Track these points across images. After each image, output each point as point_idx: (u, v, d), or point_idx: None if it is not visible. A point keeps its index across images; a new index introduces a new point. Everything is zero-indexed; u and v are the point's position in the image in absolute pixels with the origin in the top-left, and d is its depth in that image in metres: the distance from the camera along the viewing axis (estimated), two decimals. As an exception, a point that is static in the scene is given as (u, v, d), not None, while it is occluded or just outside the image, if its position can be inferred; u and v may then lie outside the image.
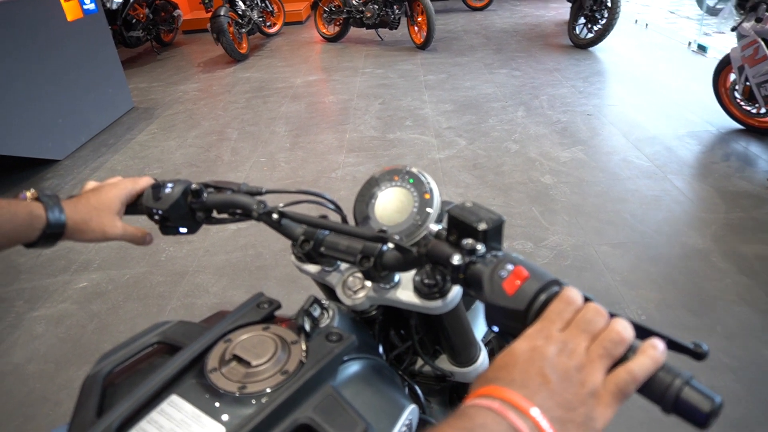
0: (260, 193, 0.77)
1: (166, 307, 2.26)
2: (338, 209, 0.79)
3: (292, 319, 0.65)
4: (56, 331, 2.18)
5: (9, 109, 3.45)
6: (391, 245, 0.62)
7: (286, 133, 4.03)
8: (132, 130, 4.42)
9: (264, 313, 0.66)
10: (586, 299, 0.47)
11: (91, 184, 0.76)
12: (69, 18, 4.13)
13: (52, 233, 0.66)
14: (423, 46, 5.92)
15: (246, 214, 0.73)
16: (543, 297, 0.47)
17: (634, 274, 2.20)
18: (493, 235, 0.54)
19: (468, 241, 0.53)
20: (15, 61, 3.54)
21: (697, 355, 0.44)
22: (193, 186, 0.75)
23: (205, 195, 0.75)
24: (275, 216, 0.70)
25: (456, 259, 0.53)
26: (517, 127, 3.75)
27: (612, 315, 0.45)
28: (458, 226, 0.55)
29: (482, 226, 0.53)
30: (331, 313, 0.67)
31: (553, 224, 2.58)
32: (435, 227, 0.63)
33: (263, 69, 5.93)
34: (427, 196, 0.74)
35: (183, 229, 0.77)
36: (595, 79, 4.63)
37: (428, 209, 0.73)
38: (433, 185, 0.75)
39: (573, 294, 0.45)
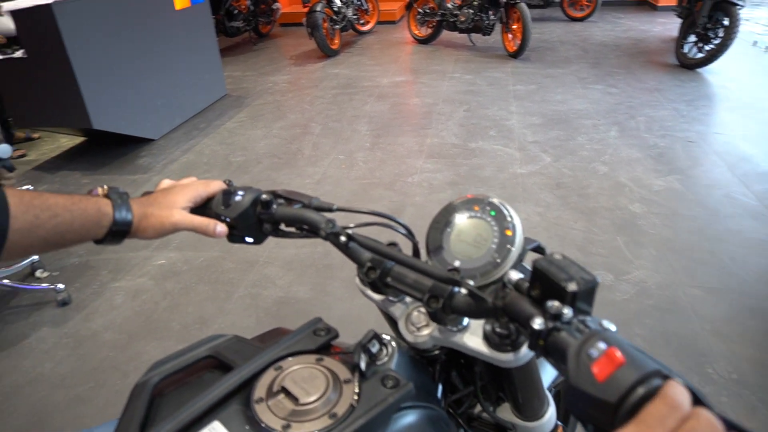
0: (330, 210, 0.73)
1: (234, 294, 2.32)
2: (410, 235, 0.74)
3: (348, 351, 0.61)
4: (132, 304, 2.30)
5: (117, 89, 3.69)
6: (463, 290, 0.56)
7: (367, 132, 4.04)
8: (222, 116, 4.61)
9: (320, 341, 0.62)
10: (696, 399, 0.38)
11: (165, 183, 0.76)
12: (177, 7, 4.37)
13: (119, 230, 0.66)
14: (515, 55, 5.74)
15: (313, 232, 0.70)
16: (641, 391, 0.39)
17: (727, 325, 2.00)
18: (584, 299, 0.47)
19: (554, 304, 0.46)
20: (126, 44, 3.79)
21: None
22: (263, 196, 0.73)
23: (274, 206, 0.72)
24: (343, 238, 0.66)
25: (537, 323, 0.46)
26: (608, 147, 3.53)
27: (729, 425, 0.36)
28: (543, 281, 0.49)
29: (572, 287, 0.46)
30: (390, 350, 0.62)
31: (638, 257, 2.40)
32: (515, 275, 0.56)
33: (352, 66, 6.00)
34: (509, 233, 0.68)
35: (249, 239, 0.75)
36: (700, 103, 4.28)
37: (509, 247, 0.66)
38: (517, 221, 0.68)
39: (679, 393, 0.37)
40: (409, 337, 0.68)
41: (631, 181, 3.08)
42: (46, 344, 2.10)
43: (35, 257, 2.54)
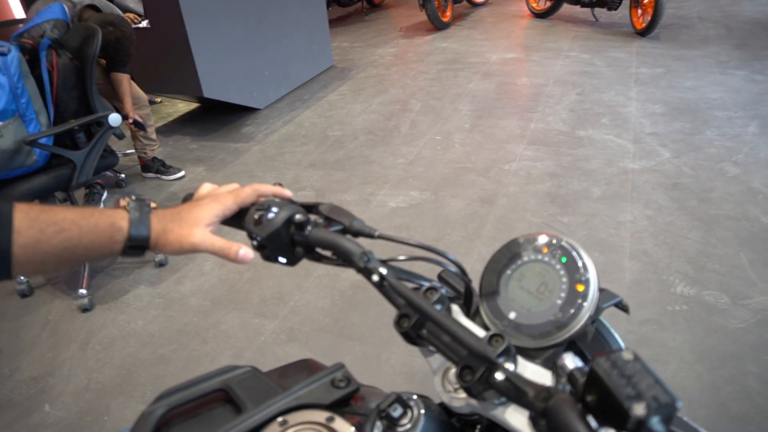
0: (371, 236, 0.65)
1: (313, 273, 2.33)
2: (462, 274, 0.64)
3: (365, 414, 0.54)
4: (219, 272, 2.40)
5: (228, 60, 3.83)
6: (500, 376, 0.46)
7: (468, 113, 3.87)
8: (326, 88, 4.65)
9: (335, 396, 0.55)
10: None
11: (205, 187, 0.72)
12: (290, -23, 4.42)
13: (134, 246, 0.62)
14: (643, 33, 5.18)
15: (347, 262, 0.62)
16: None
17: None
18: (657, 426, 0.35)
19: None
20: (238, 15, 3.90)
21: None
22: (297, 217, 0.66)
23: (308, 229, 0.65)
24: (375, 277, 0.58)
25: None
26: (744, 146, 3.08)
27: None
28: (602, 390, 0.37)
29: (639, 412, 0.34)
30: (415, 414, 0.54)
31: (764, 280, 2.07)
32: (571, 361, 0.45)
33: (461, 40, 5.77)
34: (580, 288, 0.55)
35: (282, 260, 0.69)
36: None
37: (578, 305, 0.54)
38: (592, 274, 0.56)
39: None
40: (444, 397, 0.58)
41: (767, 187, 2.66)
42: (141, 302, 2.26)
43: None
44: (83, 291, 2.25)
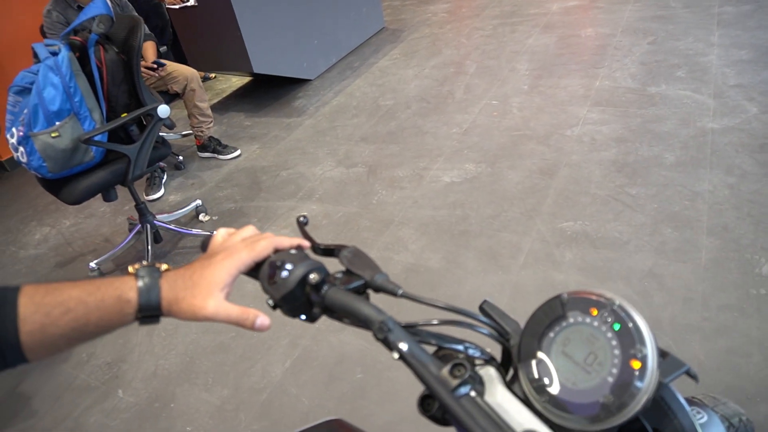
0: (395, 295, 0.59)
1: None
2: (501, 337, 0.57)
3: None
4: (274, 256, 2.42)
5: (275, 33, 3.77)
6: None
7: (526, 72, 3.63)
8: (377, 53, 4.51)
9: None
10: None
11: (221, 234, 0.67)
12: (335, -62, 4.24)
13: (146, 316, 0.59)
14: (728, -36, 4.61)
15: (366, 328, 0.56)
16: None
17: None
18: None
19: None
20: (284, -16, 3.81)
21: None
22: (312, 277, 0.60)
23: (325, 288, 0.60)
24: (395, 355, 0.51)
25: None
26: None
27: None
28: None
29: None
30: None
31: None
32: None
33: (519, -11, 5.39)
34: (636, 366, 0.46)
35: (302, 316, 0.64)
36: None
37: (633, 390, 0.46)
38: (650, 348, 0.47)
39: None
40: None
41: None
42: (202, 288, 2.32)
43: (199, 201, 2.79)
44: (148, 278, 2.34)
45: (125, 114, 2.15)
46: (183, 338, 2.11)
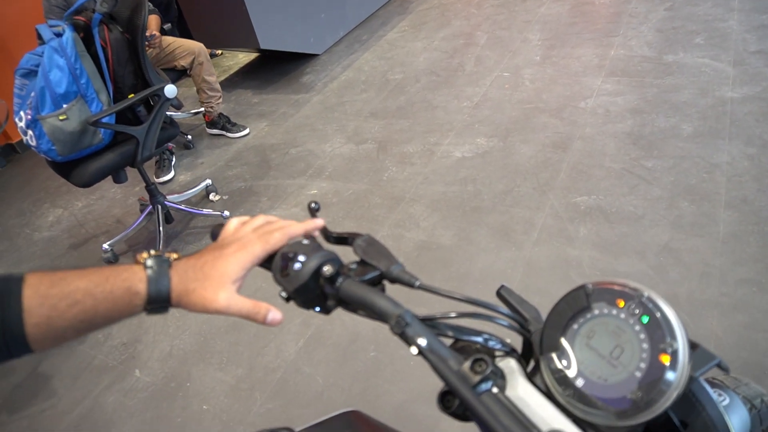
0: (411, 286, 0.57)
1: (377, 234, 2.29)
2: (522, 329, 0.55)
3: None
4: (285, 236, 2.41)
5: (282, 5, 3.70)
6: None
7: (538, 42, 3.54)
8: (385, 25, 4.42)
9: None
10: None
11: (232, 224, 0.66)
12: None
13: (156, 308, 0.58)
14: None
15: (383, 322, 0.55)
16: None
17: None
18: None
19: None
20: (288, -44, 3.72)
21: None
22: (326, 269, 0.58)
23: (340, 280, 0.58)
24: (413, 350, 0.50)
25: None
26: None
27: None
28: None
29: None
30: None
31: None
32: None
33: (531, -45, 5.22)
34: (666, 360, 0.44)
35: (317, 308, 0.62)
36: None
37: (663, 385, 0.44)
38: (681, 342, 0.44)
39: None
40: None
41: None
42: (214, 268, 2.33)
43: (209, 181, 2.78)
44: (161, 259, 2.35)
45: (132, 95, 2.13)
46: (196, 318, 2.12)
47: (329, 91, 3.62)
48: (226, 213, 2.53)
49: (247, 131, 3.36)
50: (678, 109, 2.58)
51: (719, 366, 0.51)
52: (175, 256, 0.61)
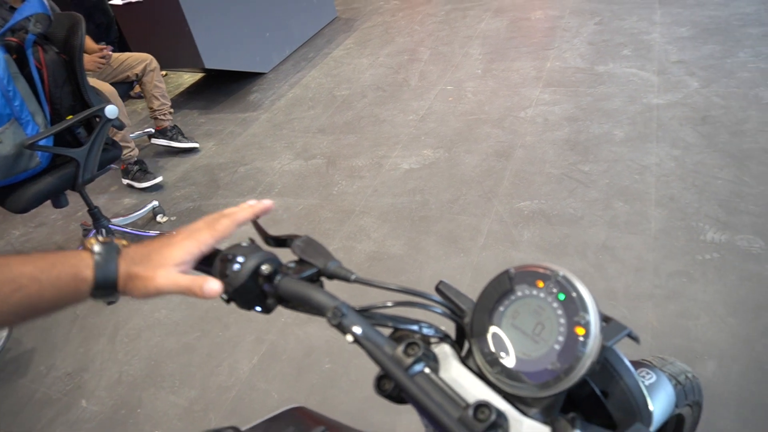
0: (347, 280, 0.59)
1: (329, 247, 2.30)
2: (454, 315, 0.58)
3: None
4: (236, 253, 2.39)
5: (226, 27, 3.70)
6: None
7: (479, 57, 3.67)
8: (330, 43, 4.47)
9: None
10: None
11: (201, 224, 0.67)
12: (280, -73, 4.17)
13: (102, 294, 0.59)
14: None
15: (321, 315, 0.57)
16: None
17: None
18: None
19: None
20: (230, -24, 3.73)
21: None
22: (264, 268, 0.60)
23: (278, 278, 0.60)
24: (349, 338, 0.52)
25: None
26: (781, 66, 2.84)
27: None
28: None
29: None
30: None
31: (803, 219, 1.94)
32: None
33: (469, -26, 5.43)
34: (581, 332, 0.49)
35: (257, 308, 0.64)
36: None
37: (578, 355, 0.48)
38: (593, 314, 0.49)
39: None
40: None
41: (806, 112, 2.47)
42: (163, 290, 2.28)
43: (155, 202, 2.73)
44: (106, 284, 2.28)
45: (71, 116, 2.08)
46: (146, 342, 2.07)
47: (277, 108, 3.63)
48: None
49: (197, 144, 3.32)
50: (610, 115, 2.73)
51: (630, 336, 0.56)
52: (124, 242, 0.62)
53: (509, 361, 0.51)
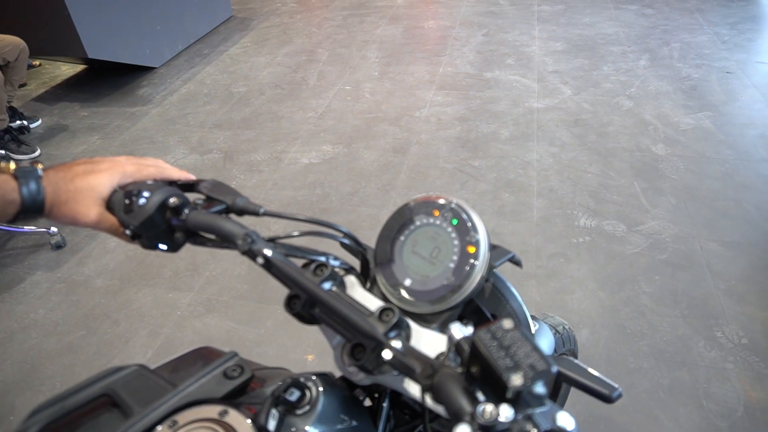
0: (257, 214, 0.61)
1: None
2: (357, 246, 0.62)
3: (261, 402, 0.52)
4: (125, 248, 2.25)
5: (113, 15, 3.47)
6: (387, 355, 0.46)
7: (376, 60, 3.79)
8: (226, 41, 4.37)
9: (229, 387, 0.52)
10: None
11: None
12: None
13: (26, 217, 0.59)
14: (543, -31, 5.23)
15: (231, 244, 0.58)
16: None
17: (744, 284, 1.86)
18: (534, 393, 0.36)
19: (487, 409, 0.35)
20: (116, -38, 3.52)
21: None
22: (172, 200, 0.60)
23: (186, 212, 0.60)
24: (260, 260, 0.54)
25: (462, 429, 0.36)
26: (636, 79, 3.25)
27: None
28: (482, 362, 0.38)
29: (516, 382, 0.35)
30: (313, 395, 0.52)
31: (655, 206, 2.24)
32: (458, 331, 0.44)
33: (366, -17, 5.58)
34: (471, 250, 0.55)
35: (162, 246, 0.63)
36: (746, 27, 3.87)
37: (469, 267, 0.54)
38: (482, 235, 0.56)
39: None
40: (344, 372, 0.58)
41: (656, 118, 2.84)
42: (40, 289, 2.09)
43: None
44: (-30, 284, 2.05)
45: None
46: (20, 345, 1.88)
47: (169, 103, 3.47)
48: (54, 229, 2.28)
49: (37, 153, 3.01)
50: (496, 117, 2.95)
51: (512, 260, 0.63)
52: (40, 166, 0.61)
53: (409, 282, 0.56)
